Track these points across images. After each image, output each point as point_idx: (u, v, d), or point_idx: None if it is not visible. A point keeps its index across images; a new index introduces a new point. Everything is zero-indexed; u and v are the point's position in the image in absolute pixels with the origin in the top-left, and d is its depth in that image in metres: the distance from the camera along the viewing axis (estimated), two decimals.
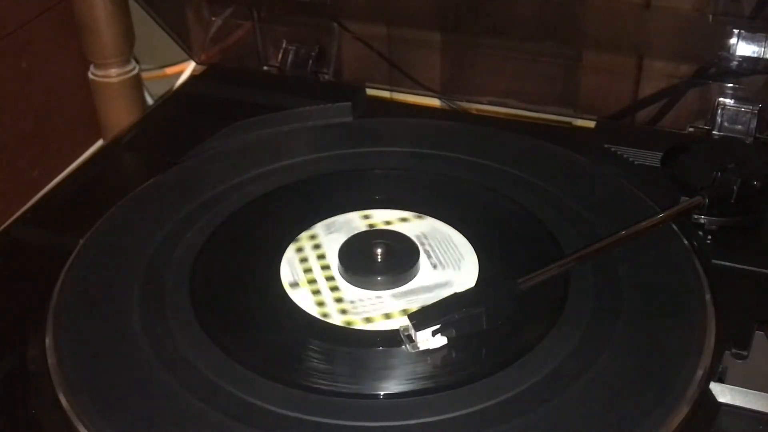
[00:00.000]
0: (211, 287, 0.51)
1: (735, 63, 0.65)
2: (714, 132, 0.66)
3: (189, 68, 0.85)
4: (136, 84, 0.84)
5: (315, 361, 0.46)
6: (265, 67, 0.80)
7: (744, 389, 0.43)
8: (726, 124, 0.66)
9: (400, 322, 0.47)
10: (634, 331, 0.47)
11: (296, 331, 0.48)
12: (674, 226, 0.54)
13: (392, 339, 0.46)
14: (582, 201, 0.57)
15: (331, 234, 0.55)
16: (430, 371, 0.45)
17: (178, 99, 0.75)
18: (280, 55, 0.79)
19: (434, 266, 0.52)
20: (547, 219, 0.55)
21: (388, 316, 0.49)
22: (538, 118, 0.73)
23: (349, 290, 0.51)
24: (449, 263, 0.53)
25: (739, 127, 0.66)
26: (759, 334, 0.46)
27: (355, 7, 0.77)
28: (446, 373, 0.45)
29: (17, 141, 0.82)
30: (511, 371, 0.44)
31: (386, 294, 0.50)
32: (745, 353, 0.45)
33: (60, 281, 0.51)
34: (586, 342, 0.46)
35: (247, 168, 0.61)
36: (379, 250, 0.52)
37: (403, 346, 0.46)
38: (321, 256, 0.53)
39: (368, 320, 0.49)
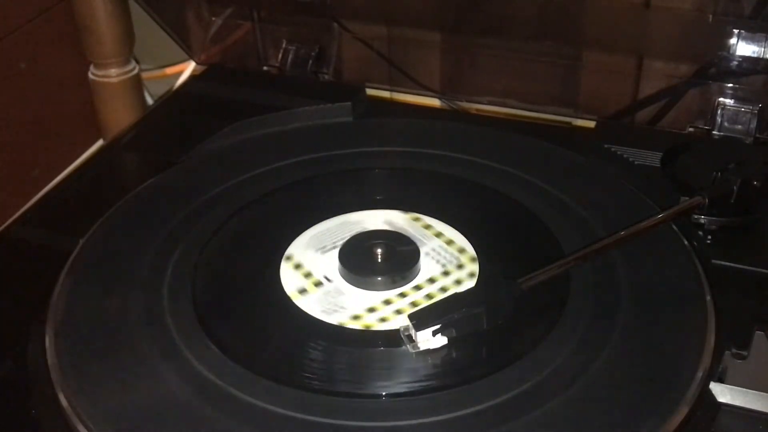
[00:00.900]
0: (212, 287, 0.51)
1: (735, 63, 0.65)
2: (714, 132, 0.66)
3: (189, 68, 0.84)
4: (136, 84, 0.84)
5: (315, 361, 0.46)
6: (265, 67, 0.80)
7: (744, 389, 0.43)
8: (726, 124, 0.66)
9: (401, 322, 0.47)
10: (634, 331, 0.47)
11: (297, 331, 0.48)
12: (674, 226, 0.54)
13: (393, 339, 0.46)
14: (582, 201, 0.57)
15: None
16: (430, 371, 0.45)
17: (178, 99, 0.75)
18: (280, 55, 0.79)
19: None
20: (547, 219, 0.55)
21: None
22: (538, 118, 0.73)
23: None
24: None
25: (739, 127, 0.66)
26: (759, 334, 0.46)
27: (355, 7, 0.77)
28: (446, 373, 0.45)
29: (17, 141, 0.82)
30: (511, 371, 0.44)
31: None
32: (745, 353, 0.45)
33: (60, 281, 0.51)
34: (586, 342, 0.46)
35: (247, 168, 0.61)
36: (379, 250, 0.52)
37: (404, 346, 0.46)
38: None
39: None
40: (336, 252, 0.53)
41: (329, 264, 0.53)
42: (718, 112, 0.66)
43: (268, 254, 0.53)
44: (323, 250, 0.54)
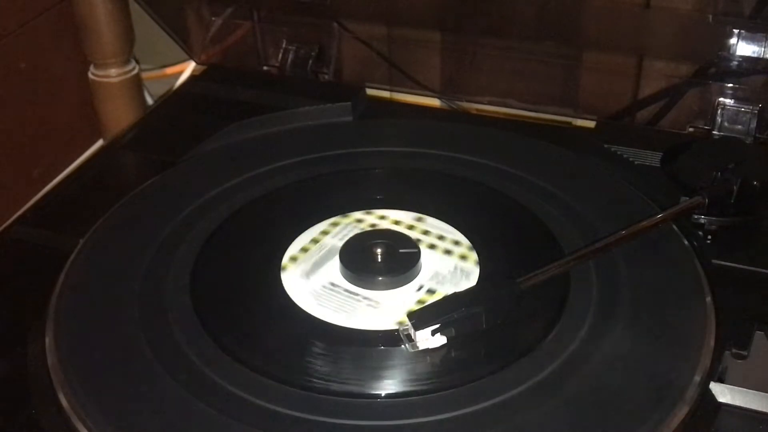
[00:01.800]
0: (212, 287, 0.51)
1: (735, 63, 0.65)
2: (714, 132, 0.66)
3: (189, 68, 0.85)
4: (136, 84, 0.84)
5: (315, 360, 0.46)
6: (265, 67, 0.80)
7: (744, 389, 0.43)
8: (726, 124, 0.66)
9: (401, 321, 0.47)
10: (634, 331, 0.47)
11: (297, 331, 0.48)
12: (674, 226, 0.54)
13: (392, 338, 0.46)
14: (582, 201, 0.57)
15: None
16: (429, 371, 0.45)
17: (178, 99, 0.75)
18: (280, 55, 0.79)
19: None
20: (547, 219, 0.55)
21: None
22: (538, 118, 0.73)
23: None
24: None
25: (739, 127, 0.66)
26: (759, 334, 0.46)
27: (355, 7, 0.77)
28: (446, 373, 0.45)
29: (17, 141, 0.82)
30: (511, 371, 0.44)
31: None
32: (745, 353, 0.45)
33: (60, 281, 0.51)
34: (586, 342, 0.46)
35: (247, 168, 0.61)
36: (379, 250, 0.52)
37: (403, 346, 0.46)
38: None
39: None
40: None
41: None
42: (718, 112, 0.66)
43: (269, 254, 0.53)
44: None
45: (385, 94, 0.78)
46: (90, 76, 0.83)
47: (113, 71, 0.82)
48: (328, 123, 0.68)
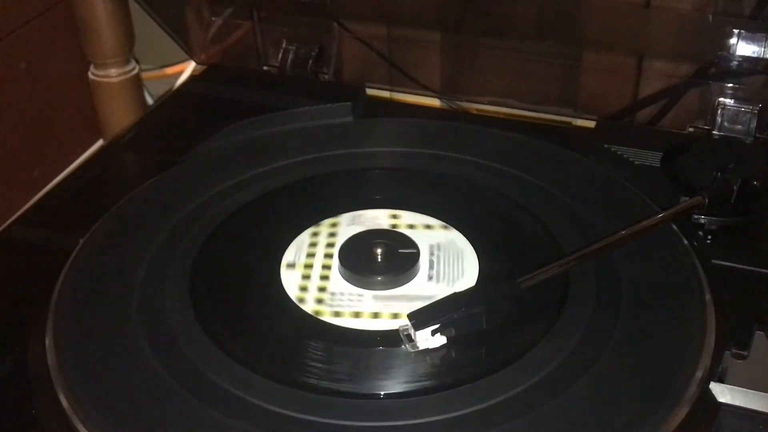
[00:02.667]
0: (212, 287, 0.51)
1: (735, 63, 0.65)
2: (714, 132, 0.66)
3: (189, 68, 0.84)
4: (136, 84, 0.84)
5: (315, 360, 0.46)
6: (265, 67, 0.80)
7: (744, 389, 0.43)
8: (726, 124, 0.66)
9: (401, 321, 0.47)
10: (634, 331, 0.47)
11: (297, 331, 0.48)
12: (674, 226, 0.54)
13: (392, 338, 0.46)
14: (582, 201, 0.57)
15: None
16: (429, 371, 0.45)
17: (178, 99, 0.75)
18: (280, 55, 0.79)
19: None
20: (547, 219, 0.55)
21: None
22: (538, 118, 0.73)
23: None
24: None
25: (739, 127, 0.66)
26: (759, 334, 0.46)
27: (355, 7, 0.77)
28: (446, 373, 0.45)
29: (17, 141, 0.82)
30: (511, 371, 0.44)
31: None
32: (745, 353, 0.45)
33: (60, 281, 0.51)
34: (586, 342, 0.46)
35: (247, 168, 0.61)
36: (379, 250, 0.52)
37: (403, 346, 0.46)
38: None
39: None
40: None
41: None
42: (718, 112, 0.66)
43: (268, 254, 0.53)
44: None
45: (385, 94, 0.78)
46: (90, 76, 0.83)
47: (113, 71, 0.82)
48: (328, 123, 0.68)
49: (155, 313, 0.48)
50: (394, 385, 0.44)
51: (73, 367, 0.45)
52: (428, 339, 0.45)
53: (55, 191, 0.64)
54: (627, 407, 0.42)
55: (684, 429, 0.42)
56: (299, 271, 0.52)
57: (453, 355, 0.46)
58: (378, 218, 0.56)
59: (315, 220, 0.56)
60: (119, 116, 0.82)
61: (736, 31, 0.64)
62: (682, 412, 0.42)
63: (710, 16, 0.64)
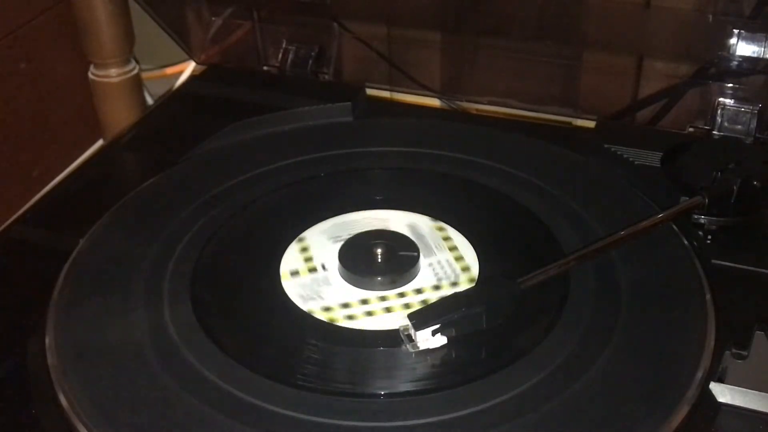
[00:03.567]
0: (212, 287, 0.51)
1: (735, 63, 0.65)
2: (714, 132, 0.66)
3: (189, 68, 0.84)
4: (136, 84, 0.84)
5: (315, 361, 0.46)
6: (265, 67, 0.80)
7: (744, 389, 0.43)
8: (726, 124, 0.66)
9: (401, 321, 0.47)
10: (634, 331, 0.47)
11: (297, 331, 0.48)
12: (674, 226, 0.54)
13: (392, 339, 0.46)
14: (582, 201, 0.57)
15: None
16: (429, 371, 0.45)
17: (178, 99, 0.75)
18: (280, 55, 0.79)
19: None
20: (547, 219, 0.55)
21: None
22: (538, 118, 0.73)
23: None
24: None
25: (739, 127, 0.66)
26: (759, 334, 0.46)
27: (355, 7, 0.77)
28: (446, 373, 0.45)
29: (17, 141, 0.82)
30: (511, 371, 0.44)
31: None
32: (745, 353, 0.45)
33: (60, 281, 0.51)
34: (586, 342, 0.46)
35: (247, 168, 0.61)
36: (379, 250, 0.52)
37: (403, 346, 0.46)
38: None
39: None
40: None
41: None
42: (718, 112, 0.66)
43: (269, 254, 0.53)
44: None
45: (385, 94, 0.78)
46: (90, 76, 0.83)
47: (113, 71, 0.82)
48: (328, 123, 0.68)
49: (155, 314, 0.48)
50: (394, 385, 0.44)
51: (73, 367, 0.45)
52: (429, 339, 0.45)
53: (54, 191, 0.64)
54: (627, 407, 0.42)
55: (684, 429, 0.42)
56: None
57: (453, 355, 0.46)
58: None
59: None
60: (119, 116, 0.82)
61: (736, 31, 0.64)
62: (682, 412, 0.42)
63: (710, 16, 0.64)
